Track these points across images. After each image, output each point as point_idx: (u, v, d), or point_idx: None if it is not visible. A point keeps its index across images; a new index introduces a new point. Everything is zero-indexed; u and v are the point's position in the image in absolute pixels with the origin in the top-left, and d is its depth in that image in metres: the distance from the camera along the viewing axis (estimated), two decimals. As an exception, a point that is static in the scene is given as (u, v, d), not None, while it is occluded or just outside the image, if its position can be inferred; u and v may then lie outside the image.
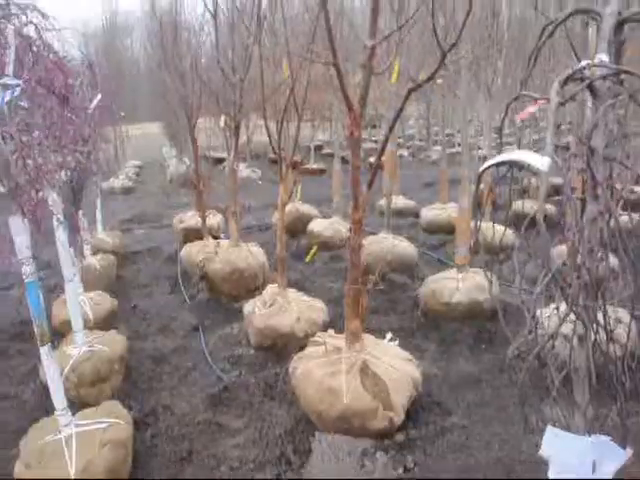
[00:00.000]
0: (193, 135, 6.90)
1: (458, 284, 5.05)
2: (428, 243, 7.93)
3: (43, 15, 3.32)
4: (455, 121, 15.87)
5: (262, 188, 13.85)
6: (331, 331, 3.95)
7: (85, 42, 22.58)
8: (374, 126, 19.69)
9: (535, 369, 1.69)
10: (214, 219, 8.06)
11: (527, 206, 5.72)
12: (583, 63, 1.70)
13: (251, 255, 5.77)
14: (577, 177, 1.78)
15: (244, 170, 14.91)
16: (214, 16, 5.74)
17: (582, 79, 1.62)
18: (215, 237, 7.40)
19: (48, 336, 2.97)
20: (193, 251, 6.61)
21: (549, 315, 1.79)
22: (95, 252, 6.62)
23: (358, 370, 3.32)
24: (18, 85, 2.91)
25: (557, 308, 1.70)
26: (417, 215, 9.30)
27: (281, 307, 4.57)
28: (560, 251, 2.03)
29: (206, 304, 5.79)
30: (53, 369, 3.03)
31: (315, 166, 15.52)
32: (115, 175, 15.67)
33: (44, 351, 2.94)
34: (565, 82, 1.58)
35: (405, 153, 18.78)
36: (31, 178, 2.89)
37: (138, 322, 5.52)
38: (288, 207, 8.67)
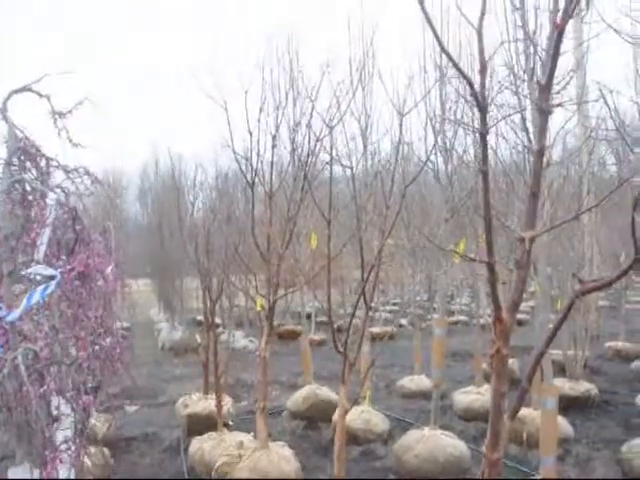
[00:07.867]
0: (214, 311, 6.18)
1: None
2: (468, 434, 6.92)
3: (95, 179, 2.77)
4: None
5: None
6: None
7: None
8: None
9: None
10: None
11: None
12: None
13: (283, 460, 4.77)
14: None
15: (240, 340, 13.88)
16: (251, 186, 5.24)
17: None
18: (225, 425, 6.35)
19: None
20: (206, 448, 5.54)
21: None
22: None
23: None
24: (53, 277, 2.21)
25: None
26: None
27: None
28: None
29: (226, 522, 4.67)
30: None
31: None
32: (101, 339, 14.43)
33: None
34: None
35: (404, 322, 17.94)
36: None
37: None
38: (305, 390, 7.67)
